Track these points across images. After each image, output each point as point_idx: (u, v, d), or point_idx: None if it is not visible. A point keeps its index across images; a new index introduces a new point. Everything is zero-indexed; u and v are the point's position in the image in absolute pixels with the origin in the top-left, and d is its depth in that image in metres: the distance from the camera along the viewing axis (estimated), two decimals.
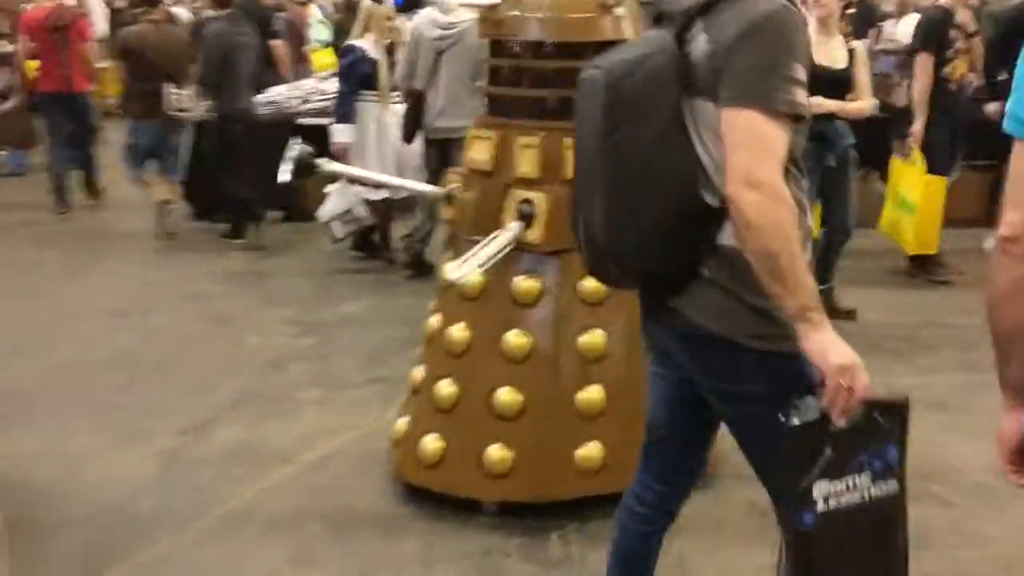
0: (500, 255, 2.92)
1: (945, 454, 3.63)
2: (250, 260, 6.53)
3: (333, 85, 8.00)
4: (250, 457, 3.63)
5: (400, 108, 5.84)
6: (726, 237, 1.82)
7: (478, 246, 2.95)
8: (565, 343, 3.06)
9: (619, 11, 3.07)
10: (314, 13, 11.82)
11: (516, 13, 3.11)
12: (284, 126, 7.45)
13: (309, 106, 7.64)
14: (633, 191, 1.82)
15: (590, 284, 2.99)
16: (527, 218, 3.04)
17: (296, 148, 3.31)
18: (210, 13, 7.84)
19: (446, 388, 3.14)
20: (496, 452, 3.04)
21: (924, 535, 3.04)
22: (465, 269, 2.89)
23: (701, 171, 1.82)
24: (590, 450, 3.05)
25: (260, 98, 7.81)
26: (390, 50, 5.91)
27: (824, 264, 5.10)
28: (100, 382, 4.40)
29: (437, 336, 3.24)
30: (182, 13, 10.56)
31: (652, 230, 1.83)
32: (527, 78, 3.13)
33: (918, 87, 5.61)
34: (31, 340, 4.97)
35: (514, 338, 3.05)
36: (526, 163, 3.06)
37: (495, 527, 3.11)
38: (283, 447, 3.71)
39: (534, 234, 3.02)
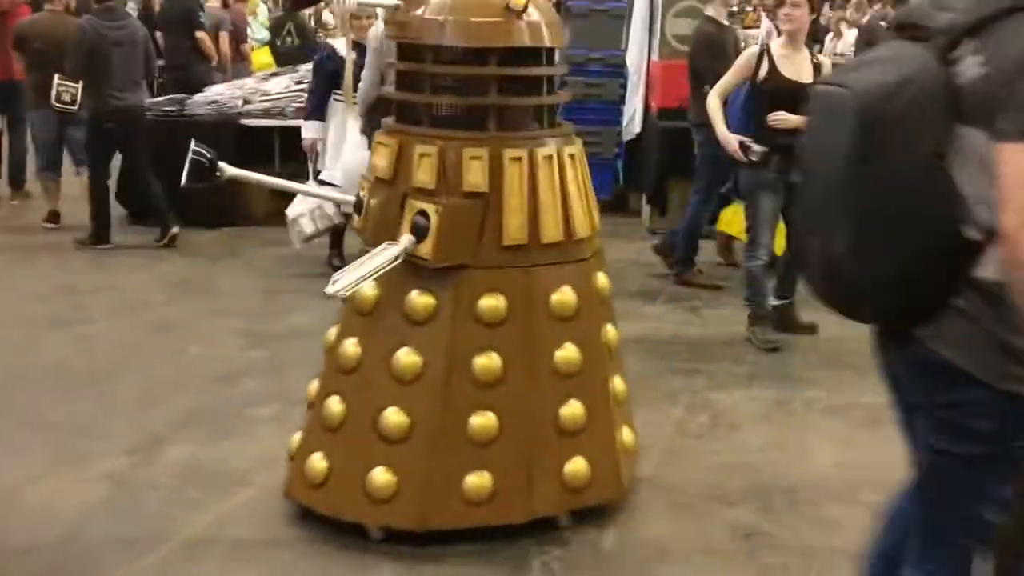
0: (383, 270, 2.78)
1: None
2: (193, 266, 6.24)
3: (274, 85, 7.81)
4: (205, 479, 3.39)
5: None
6: (984, 270, 1.71)
7: (363, 258, 2.82)
8: (458, 365, 2.90)
9: (532, 16, 2.93)
10: (260, 11, 11.55)
11: (419, 15, 2.94)
12: (228, 126, 7.26)
13: (252, 106, 7.39)
14: (889, 222, 1.71)
15: (488, 303, 2.88)
16: (421, 231, 2.87)
17: (194, 152, 3.09)
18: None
19: (335, 405, 3.00)
20: (380, 476, 2.89)
21: None
22: (343, 283, 2.73)
23: (962, 203, 1.70)
24: (480, 478, 2.90)
25: (200, 97, 7.56)
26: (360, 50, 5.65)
27: (786, 280, 5.07)
28: (33, 397, 4.10)
29: (332, 350, 3.10)
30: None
31: (909, 263, 1.73)
32: (430, 84, 3.00)
33: None
34: None
35: (404, 356, 2.89)
36: (423, 172, 2.91)
37: (473, 554, 2.95)
38: (241, 468, 3.48)
39: (426, 247, 2.86)
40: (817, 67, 4.74)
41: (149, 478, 3.42)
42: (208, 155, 3.13)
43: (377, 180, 3.05)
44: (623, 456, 3.16)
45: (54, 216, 7.20)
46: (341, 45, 5.62)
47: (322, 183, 5.68)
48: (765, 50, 4.79)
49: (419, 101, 3.02)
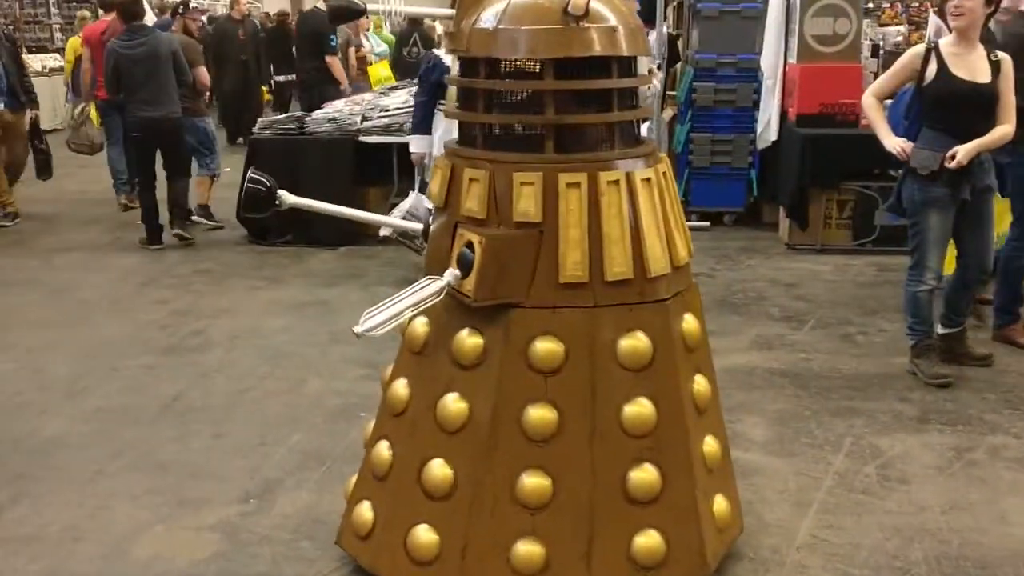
0: (421, 307, 2.48)
1: None
2: (310, 289, 6.09)
3: (392, 100, 7.63)
4: (320, 532, 3.12)
5: None
6: None
7: (403, 292, 2.51)
8: (507, 415, 2.54)
9: (601, 21, 2.53)
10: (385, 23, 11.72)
11: (470, 24, 2.57)
12: (345, 143, 7.13)
13: (370, 123, 7.22)
14: None
15: (542, 347, 2.51)
16: (467, 264, 2.54)
17: (250, 180, 2.78)
18: None
19: (384, 451, 2.74)
20: (423, 534, 2.60)
21: None
22: (373, 322, 2.42)
23: None
24: (530, 547, 2.53)
25: (319, 115, 7.46)
26: None
27: (956, 304, 4.53)
28: (146, 436, 3.95)
29: (385, 389, 2.83)
30: None
31: None
32: (483, 101, 2.64)
33: None
34: (60, 382, 4.54)
35: (451, 403, 2.57)
36: (472, 199, 2.57)
37: None
38: None
39: (468, 283, 2.52)
40: (996, 65, 4.19)
41: (262, 530, 3.19)
42: (267, 183, 2.85)
43: (436, 207, 2.77)
44: (711, 531, 2.70)
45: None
46: (445, 54, 5.39)
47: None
48: (933, 48, 4.24)
49: (471, 120, 2.69)
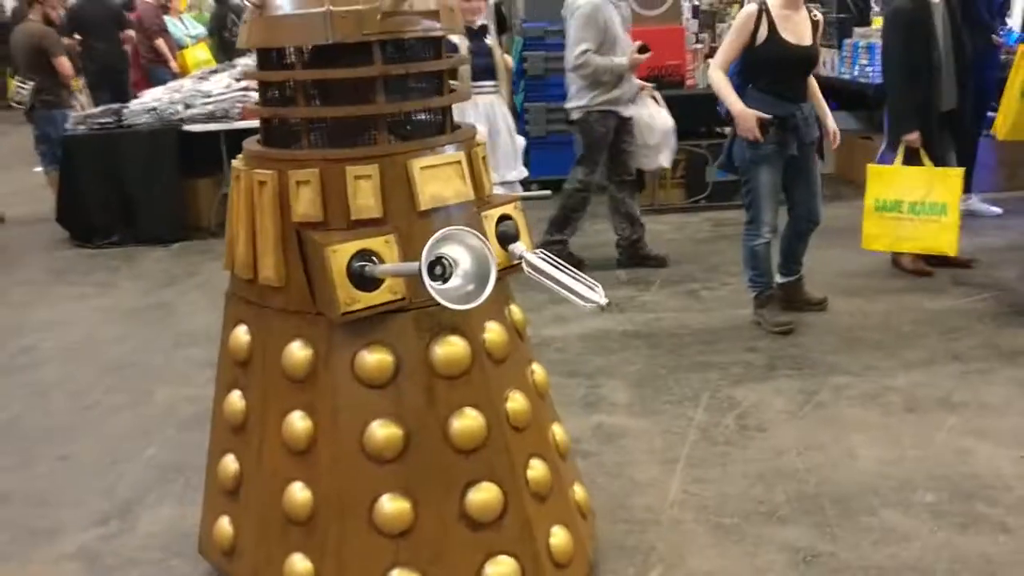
0: (566, 292, 2.44)
1: (976, 465, 3.29)
2: (145, 291, 5.78)
3: (214, 84, 7.31)
4: (191, 548, 2.98)
5: (488, 99, 5.23)
6: None
7: (559, 271, 2.43)
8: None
9: None
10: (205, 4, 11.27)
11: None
12: (169, 134, 6.81)
13: (194, 111, 6.89)
14: None
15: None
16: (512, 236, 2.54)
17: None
18: None
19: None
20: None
21: (992, 571, 2.70)
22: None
23: None
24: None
25: (137, 105, 7.07)
26: (480, 34, 5.24)
27: (791, 253, 4.76)
28: None
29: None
30: None
31: None
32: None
33: None
34: None
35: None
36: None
37: None
38: None
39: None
40: (815, 25, 4.37)
41: (128, 552, 3.01)
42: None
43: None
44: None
45: None
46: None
47: None
48: (764, 10, 4.33)
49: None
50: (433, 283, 2.02)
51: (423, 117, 2.53)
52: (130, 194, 6.81)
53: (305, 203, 2.37)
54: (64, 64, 7.53)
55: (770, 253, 4.60)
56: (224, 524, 2.66)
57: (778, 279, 4.75)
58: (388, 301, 2.32)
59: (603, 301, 2.40)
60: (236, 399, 2.61)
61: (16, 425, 4.01)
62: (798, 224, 4.65)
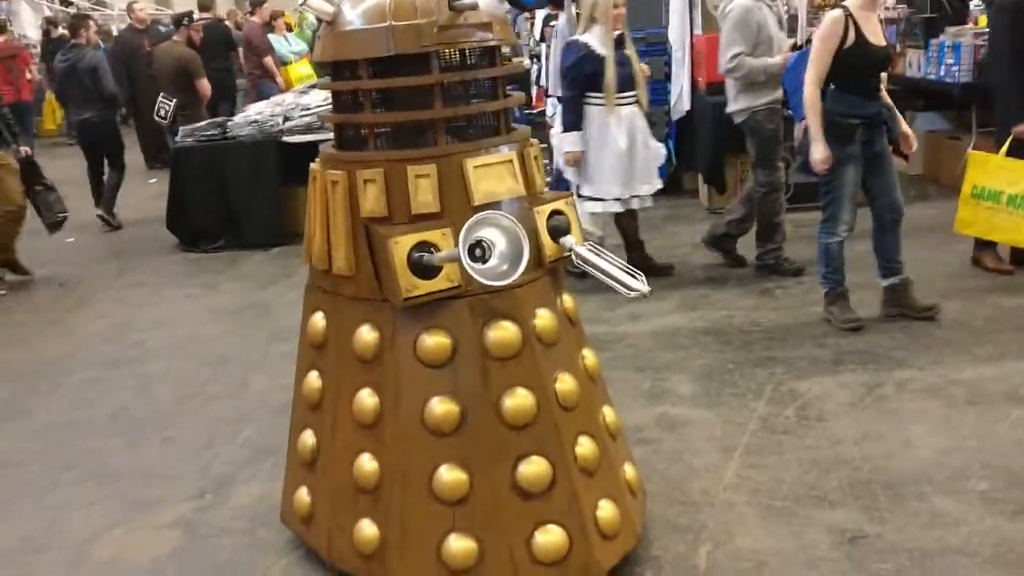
0: (611, 281, 2.61)
1: None
2: (245, 292, 6.17)
3: (313, 97, 7.70)
4: (276, 520, 3.26)
5: (629, 110, 5.30)
6: None
7: (604, 260, 2.62)
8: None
9: None
10: (307, 22, 11.91)
11: None
12: (269, 145, 7.21)
13: (293, 123, 7.30)
14: None
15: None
16: (563, 229, 2.73)
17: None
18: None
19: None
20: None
21: None
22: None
23: None
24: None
25: (240, 118, 7.51)
26: (619, 43, 5.26)
27: (885, 252, 4.64)
28: (96, 447, 4.03)
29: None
30: None
31: None
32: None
33: None
34: (11, 400, 4.61)
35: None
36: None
37: None
38: None
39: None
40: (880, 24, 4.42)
41: (220, 523, 3.31)
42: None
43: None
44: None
45: None
46: (594, 41, 5.19)
47: (586, 199, 5.32)
48: (847, 14, 4.32)
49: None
50: (473, 264, 2.23)
51: (479, 120, 2.75)
52: (234, 202, 7.25)
53: (371, 200, 2.61)
54: (204, 86, 8.47)
55: (844, 252, 4.64)
56: (303, 494, 2.92)
57: (881, 283, 4.68)
58: (445, 288, 2.55)
59: (646, 289, 2.56)
60: (314, 379, 2.87)
61: (126, 411, 4.39)
62: (882, 217, 4.59)
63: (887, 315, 4.68)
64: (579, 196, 5.28)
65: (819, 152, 4.39)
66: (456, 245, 2.49)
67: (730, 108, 5.58)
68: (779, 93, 5.37)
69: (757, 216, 5.65)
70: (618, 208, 5.41)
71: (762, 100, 5.40)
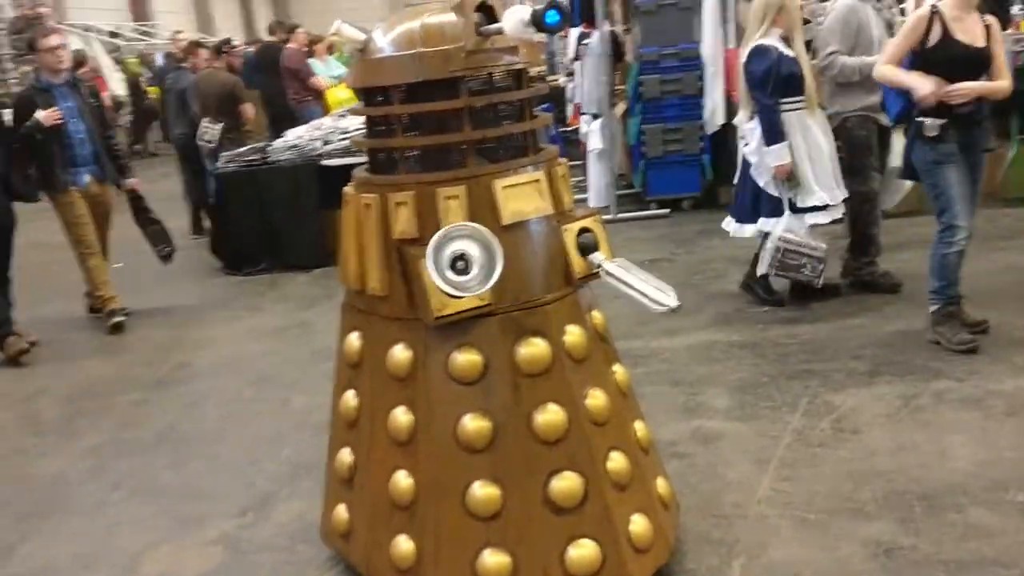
0: (638, 295, 2.66)
1: None
2: (287, 313, 6.29)
3: (351, 121, 7.84)
4: (317, 537, 3.34)
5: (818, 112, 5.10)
6: None
7: (632, 275, 2.68)
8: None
9: None
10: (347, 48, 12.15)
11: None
12: (309, 169, 7.34)
13: (331, 146, 7.44)
14: None
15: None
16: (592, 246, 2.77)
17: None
18: None
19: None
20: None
21: None
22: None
23: None
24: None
25: (280, 143, 7.66)
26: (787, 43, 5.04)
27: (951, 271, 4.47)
28: (143, 465, 4.15)
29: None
30: None
31: None
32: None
33: None
34: (63, 420, 4.74)
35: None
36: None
37: None
38: None
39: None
40: (988, 28, 4.36)
41: (261, 540, 3.39)
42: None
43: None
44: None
45: None
46: (779, 43, 4.99)
47: (802, 211, 5.06)
48: (936, 12, 4.33)
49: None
50: (455, 277, 2.42)
51: (507, 141, 2.81)
52: (275, 225, 7.39)
53: (403, 222, 2.68)
54: (248, 110, 8.65)
55: (961, 263, 4.44)
56: (341, 511, 2.99)
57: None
58: (475, 307, 2.60)
59: (674, 303, 2.60)
60: (350, 398, 2.94)
61: (173, 430, 4.50)
62: None
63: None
64: (793, 211, 5.06)
65: (921, 87, 4.24)
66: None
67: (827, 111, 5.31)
68: (875, 98, 5.07)
69: (851, 229, 5.40)
70: (838, 214, 5.19)
71: (855, 105, 5.17)
